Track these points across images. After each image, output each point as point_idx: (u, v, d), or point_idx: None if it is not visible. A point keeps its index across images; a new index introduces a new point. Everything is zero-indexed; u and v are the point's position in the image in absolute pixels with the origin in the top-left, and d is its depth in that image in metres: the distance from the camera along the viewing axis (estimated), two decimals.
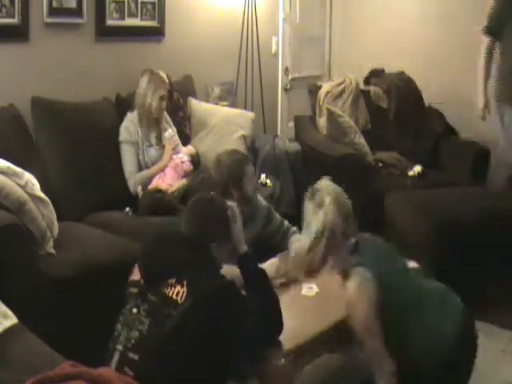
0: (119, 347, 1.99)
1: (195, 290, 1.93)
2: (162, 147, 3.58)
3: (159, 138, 3.61)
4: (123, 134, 3.52)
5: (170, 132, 3.63)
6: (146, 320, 1.97)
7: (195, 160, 3.62)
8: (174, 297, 1.95)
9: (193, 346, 1.90)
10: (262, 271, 2.25)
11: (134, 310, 2.01)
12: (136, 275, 2.10)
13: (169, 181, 3.46)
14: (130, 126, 3.53)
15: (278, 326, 2.16)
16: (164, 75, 3.61)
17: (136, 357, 1.94)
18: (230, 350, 1.97)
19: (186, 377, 1.91)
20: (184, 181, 3.49)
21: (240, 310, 2.00)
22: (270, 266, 2.62)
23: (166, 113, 3.70)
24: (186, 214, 2.22)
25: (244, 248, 2.25)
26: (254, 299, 2.11)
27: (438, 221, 3.49)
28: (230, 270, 2.57)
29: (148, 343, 1.94)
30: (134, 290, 2.06)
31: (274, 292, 2.21)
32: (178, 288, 1.95)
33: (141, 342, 1.95)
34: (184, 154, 3.59)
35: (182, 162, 3.53)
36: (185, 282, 1.95)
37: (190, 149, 3.70)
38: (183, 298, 1.93)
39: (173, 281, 1.97)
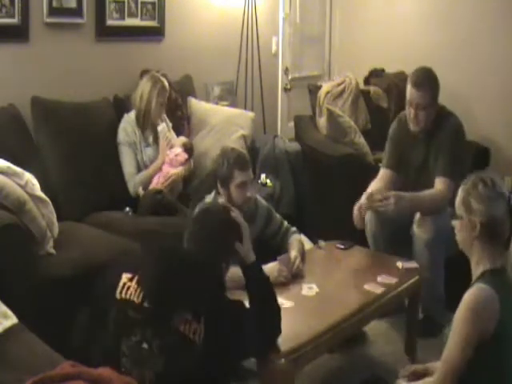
0: None
1: (212, 329, 1.85)
2: (159, 145, 3.60)
3: (155, 138, 3.62)
4: (121, 135, 3.52)
5: (164, 126, 3.63)
6: (160, 360, 1.84)
7: (188, 148, 3.65)
8: (191, 335, 1.84)
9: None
10: (267, 279, 2.19)
11: (145, 346, 1.85)
12: (134, 296, 1.91)
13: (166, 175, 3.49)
14: (127, 126, 3.53)
15: (277, 333, 2.13)
16: (166, 83, 3.61)
17: None
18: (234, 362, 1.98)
19: None
20: (180, 168, 3.54)
21: (249, 332, 1.97)
22: (270, 269, 2.62)
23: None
24: (193, 229, 2.08)
25: (252, 257, 2.15)
26: (256, 307, 2.08)
27: None
28: (232, 272, 2.58)
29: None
30: (137, 315, 1.89)
31: (276, 300, 2.17)
32: (195, 325, 1.84)
33: (158, 382, 1.85)
34: (177, 147, 3.60)
35: (177, 155, 3.55)
36: (202, 320, 1.85)
37: (181, 139, 3.71)
38: (201, 338, 1.84)
39: (189, 317, 1.85)
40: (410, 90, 3.16)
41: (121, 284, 1.95)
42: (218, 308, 1.93)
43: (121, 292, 1.94)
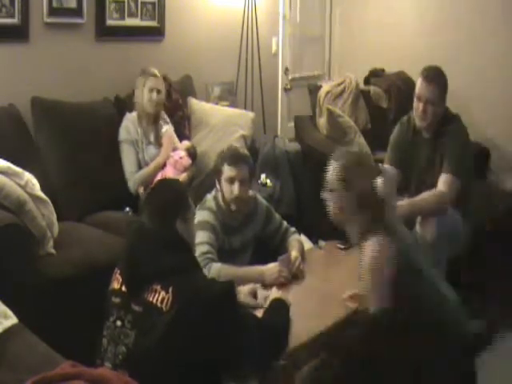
0: (107, 364, 1.89)
1: (181, 297, 1.81)
2: (161, 145, 3.59)
3: (157, 137, 3.62)
4: (122, 134, 3.52)
5: (167, 128, 3.63)
6: (132, 333, 1.87)
7: (192, 152, 3.64)
8: (159, 304, 1.83)
9: (182, 358, 1.81)
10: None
11: (119, 323, 1.91)
12: (116, 283, 1.99)
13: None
14: (129, 125, 3.53)
15: (285, 345, 2.13)
16: (155, 70, 3.60)
17: (126, 373, 1.81)
18: (225, 357, 1.90)
19: None
20: (184, 175, 3.51)
21: (232, 317, 1.90)
22: (270, 269, 2.62)
23: (162, 111, 3.71)
24: (144, 204, 2.10)
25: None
26: (270, 317, 2.15)
27: None
28: (228, 270, 2.58)
29: (135, 358, 1.84)
30: (117, 300, 1.95)
31: (289, 318, 2.20)
32: (163, 294, 1.83)
33: (128, 357, 1.86)
34: (181, 150, 3.60)
35: (181, 158, 3.54)
36: (170, 289, 1.83)
37: (185, 143, 3.71)
38: (168, 306, 1.82)
39: (157, 287, 1.85)
40: (420, 84, 3.17)
41: (113, 278, 2.03)
42: (187, 277, 1.88)
43: (110, 285, 2.03)
